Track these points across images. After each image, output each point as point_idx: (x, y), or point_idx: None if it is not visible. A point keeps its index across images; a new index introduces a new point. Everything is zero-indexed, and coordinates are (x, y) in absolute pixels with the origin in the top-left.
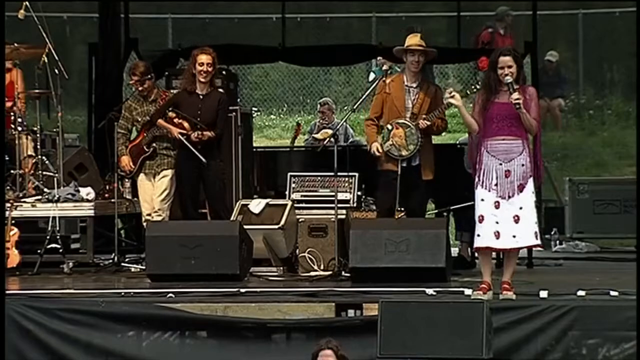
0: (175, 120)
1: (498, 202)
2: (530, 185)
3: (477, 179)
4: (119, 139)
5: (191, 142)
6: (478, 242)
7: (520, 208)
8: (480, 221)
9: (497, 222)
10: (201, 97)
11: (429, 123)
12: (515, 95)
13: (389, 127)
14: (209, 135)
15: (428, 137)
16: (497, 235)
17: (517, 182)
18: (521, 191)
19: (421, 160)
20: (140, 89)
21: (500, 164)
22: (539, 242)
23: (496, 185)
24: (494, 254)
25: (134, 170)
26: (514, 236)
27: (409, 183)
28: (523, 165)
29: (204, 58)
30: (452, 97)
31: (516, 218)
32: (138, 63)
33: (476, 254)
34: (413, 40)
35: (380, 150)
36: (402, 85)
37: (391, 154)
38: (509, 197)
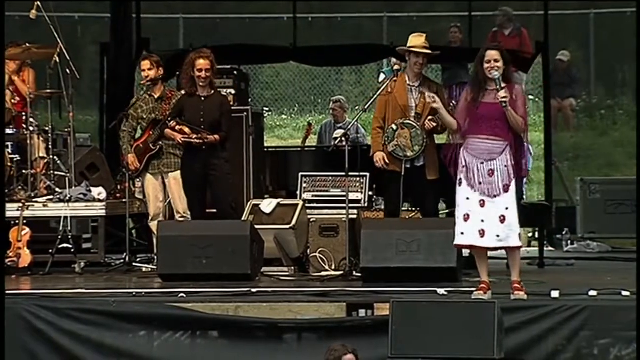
0: (177, 127)
1: (483, 200)
2: (513, 187)
3: (460, 177)
4: (124, 137)
5: (194, 145)
6: (461, 240)
7: (506, 208)
8: (466, 219)
9: (482, 221)
10: (203, 99)
11: (435, 124)
12: (502, 93)
13: (394, 127)
14: (212, 139)
15: (431, 137)
16: (482, 233)
17: (502, 182)
18: (506, 191)
19: (425, 160)
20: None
21: (482, 163)
22: (521, 243)
23: (480, 183)
24: (502, 254)
25: (140, 169)
26: (498, 236)
27: (415, 184)
28: (506, 166)
29: (202, 63)
30: (434, 102)
31: (502, 218)
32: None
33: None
34: (417, 41)
35: (384, 162)
36: (405, 85)
37: (396, 154)
38: (495, 196)
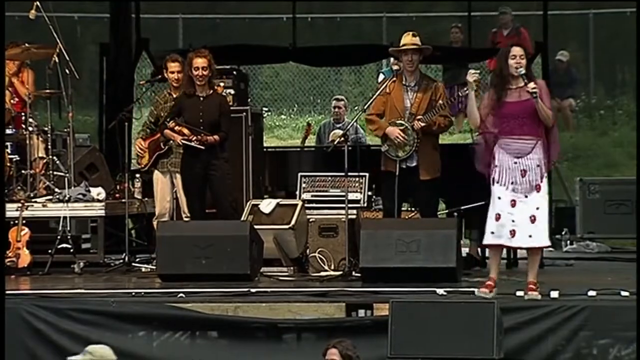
0: (176, 127)
1: (514, 200)
2: (545, 187)
3: (493, 176)
4: (139, 132)
5: (194, 146)
6: (492, 240)
7: (537, 208)
8: (497, 219)
9: (513, 221)
10: (202, 99)
11: (423, 124)
12: (532, 84)
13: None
14: (212, 139)
15: (430, 137)
16: (513, 233)
17: (534, 182)
18: (538, 191)
19: (419, 160)
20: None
21: (515, 163)
22: (549, 243)
23: (513, 183)
24: (504, 254)
25: (143, 156)
26: (530, 236)
27: (408, 184)
28: (538, 165)
29: (199, 62)
30: (470, 74)
31: (532, 218)
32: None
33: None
34: (405, 39)
35: (398, 132)
36: (401, 85)
37: (389, 154)
38: (526, 196)
